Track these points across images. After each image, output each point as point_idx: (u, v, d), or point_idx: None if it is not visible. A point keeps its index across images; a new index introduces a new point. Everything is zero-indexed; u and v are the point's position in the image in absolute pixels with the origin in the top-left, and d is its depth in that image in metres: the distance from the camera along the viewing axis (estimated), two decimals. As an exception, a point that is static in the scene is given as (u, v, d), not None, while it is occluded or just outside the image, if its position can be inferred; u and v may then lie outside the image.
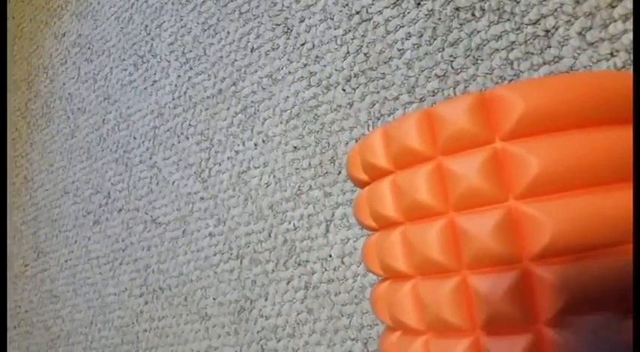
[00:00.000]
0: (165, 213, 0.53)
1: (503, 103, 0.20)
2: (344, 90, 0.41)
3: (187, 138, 0.52)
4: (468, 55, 0.35)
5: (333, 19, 0.42)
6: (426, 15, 0.37)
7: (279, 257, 0.43)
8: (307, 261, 0.42)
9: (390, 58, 0.39)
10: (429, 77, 0.37)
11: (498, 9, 0.34)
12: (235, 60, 0.49)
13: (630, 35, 0.29)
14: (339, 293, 0.40)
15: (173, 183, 0.53)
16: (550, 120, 0.19)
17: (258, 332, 0.44)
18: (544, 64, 0.32)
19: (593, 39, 0.30)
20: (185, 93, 0.53)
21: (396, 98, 0.38)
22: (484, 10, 0.34)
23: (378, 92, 0.39)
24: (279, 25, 0.46)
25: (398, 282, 0.24)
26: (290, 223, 0.43)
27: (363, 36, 0.40)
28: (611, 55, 0.29)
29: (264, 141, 0.46)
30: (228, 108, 0.49)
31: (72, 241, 0.65)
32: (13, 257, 0.74)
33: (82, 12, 0.69)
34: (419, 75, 0.37)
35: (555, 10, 0.32)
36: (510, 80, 0.33)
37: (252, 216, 0.46)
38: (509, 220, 0.19)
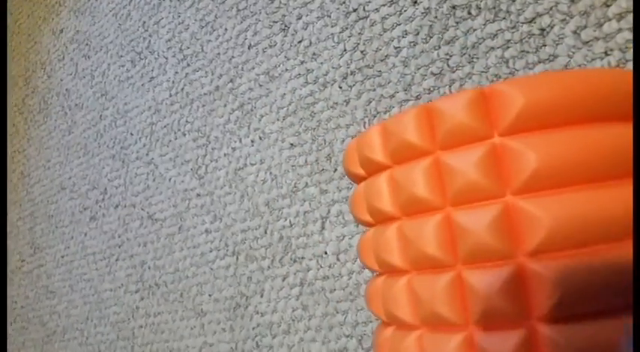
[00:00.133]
0: (162, 210, 0.54)
1: (502, 98, 0.20)
2: (340, 87, 0.41)
3: (184, 135, 0.52)
4: (464, 53, 0.35)
5: (330, 16, 0.42)
6: (422, 13, 0.37)
7: (275, 253, 0.44)
8: (303, 258, 0.42)
9: (386, 56, 0.39)
10: (425, 75, 0.37)
11: (494, 7, 0.34)
12: (232, 57, 0.49)
13: (625, 34, 0.29)
14: (335, 290, 0.40)
15: (170, 179, 0.53)
16: (549, 116, 0.19)
17: (253, 329, 0.44)
18: (539, 62, 0.32)
19: (587, 38, 0.30)
20: (182, 89, 0.53)
21: (393, 96, 0.38)
22: (480, 8, 0.35)
23: (374, 89, 0.39)
24: (276, 22, 0.46)
25: (393, 277, 0.24)
26: (286, 220, 0.43)
27: (359, 33, 0.40)
28: (606, 53, 0.30)
29: (260, 138, 0.46)
30: (225, 105, 0.49)
31: (68, 237, 0.65)
32: (10, 252, 0.74)
33: (80, 8, 0.69)
34: (415, 72, 0.37)
35: (550, 8, 0.32)
36: (506, 78, 0.33)
37: (248, 213, 0.46)
38: (505, 215, 0.19)
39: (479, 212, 0.20)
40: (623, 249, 0.18)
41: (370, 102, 0.39)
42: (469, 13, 0.35)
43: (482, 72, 0.34)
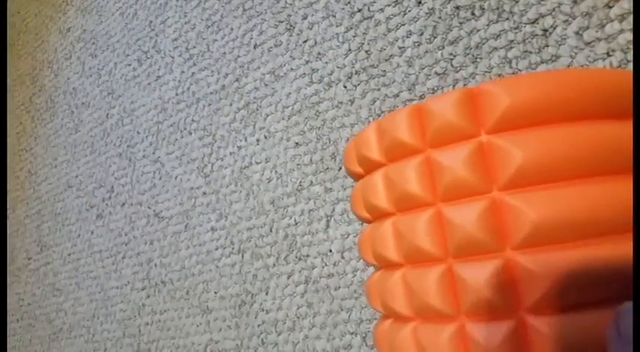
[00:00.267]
0: (168, 208, 0.54)
1: (489, 98, 0.20)
2: (345, 87, 0.41)
3: (190, 134, 0.53)
4: (468, 54, 0.35)
5: (335, 16, 0.43)
6: (426, 13, 0.38)
7: (280, 251, 0.44)
8: (308, 256, 0.42)
9: (390, 56, 0.39)
10: (429, 75, 0.37)
11: (497, 8, 0.34)
12: (238, 56, 0.49)
13: (626, 35, 0.29)
14: (339, 287, 0.40)
15: (176, 177, 0.54)
16: (533, 114, 0.20)
17: (258, 326, 0.45)
18: (542, 62, 0.32)
19: (590, 38, 0.31)
20: (188, 88, 0.54)
21: (397, 95, 0.39)
22: (483, 9, 0.35)
23: (378, 89, 0.40)
24: (282, 22, 0.46)
25: (389, 271, 0.24)
26: (291, 218, 0.44)
27: (364, 33, 0.41)
28: (608, 54, 0.30)
29: (266, 137, 0.46)
30: (230, 104, 0.49)
31: (75, 235, 0.65)
32: (17, 250, 0.75)
33: (87, 7, 0.70)
34: (419, 72, 0.38)
35: (553, 9, 0.32)
36: (509, 78, 0.33)
37: (253, 211, 0.46)
38: (492, 210, 0.20)
39: (467, 207, 0.20)
40: (607, 242, 0.19)
41: (375, 101, 0.40)
42: (473, 13, 0.35)
43: (486, 72, 0.34)
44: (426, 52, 0.37)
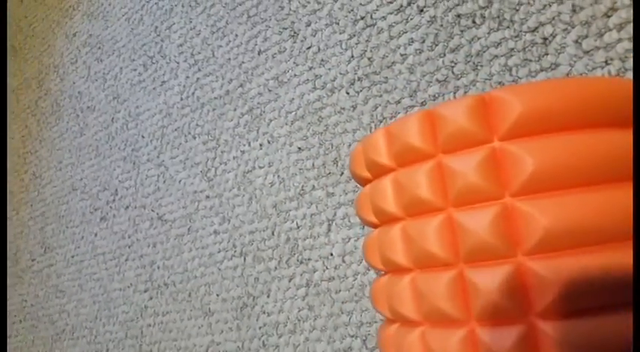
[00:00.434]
0: (171, 211, 0.54)
1: (501, 105, 0.21)
2: (348, 93, 0.42)
3: (194, 138, 0.53)
4: (469, 61, 0.36)
5: (338, 23, 0.43)
6: (428, 21, 0.38)
7: (282, 255, 0.44)
8: (309, 259, 0.43)
9: (393, 63, 0.40)
10: (431, 82, 0.38)
11: (498, 16, 0.35)
12: (243, 62, 0.50)
13: (625, 44, 0.30)
14: (340, 290, 0.40)
15: (179, 181, 0.54)
16: (546, 121, 0.20)
17: (259, 328, 0.45)
18: (541, 70, 0.33)
19: (588, 47, 0.31)
20: (193, 93, 0.54)
21: (398, 102, 0.39)
22: (484, 17, 0.35)
23: (380, 95, 0.40)
24: (286, 28, 0.47)
25: (397, 275, 0.24)
26: (293, 222, 0.44)
27: (367, 41, 0.41)
28: (606, 63, 0.30)
29: (269, 142, 0.47)
30: (234, 109, 0.50)
31: (79, 237, 0.66)
32: (20, 252, 0.75)
33: (94, 12, 0.70)
34: (420, 79, 0.38)
35: (553, 18, 0.32)
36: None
37: (256, 215, 0.47)
38: (504, 216, 0.20)
39: (479, 213, 0.20)
40: (617, 248, 0.19)
41: (376, 107, 0.40)
42: (474, 21, 0.36)
43: (486, 79, 0.35)
44: (428, 59, 0.38)
